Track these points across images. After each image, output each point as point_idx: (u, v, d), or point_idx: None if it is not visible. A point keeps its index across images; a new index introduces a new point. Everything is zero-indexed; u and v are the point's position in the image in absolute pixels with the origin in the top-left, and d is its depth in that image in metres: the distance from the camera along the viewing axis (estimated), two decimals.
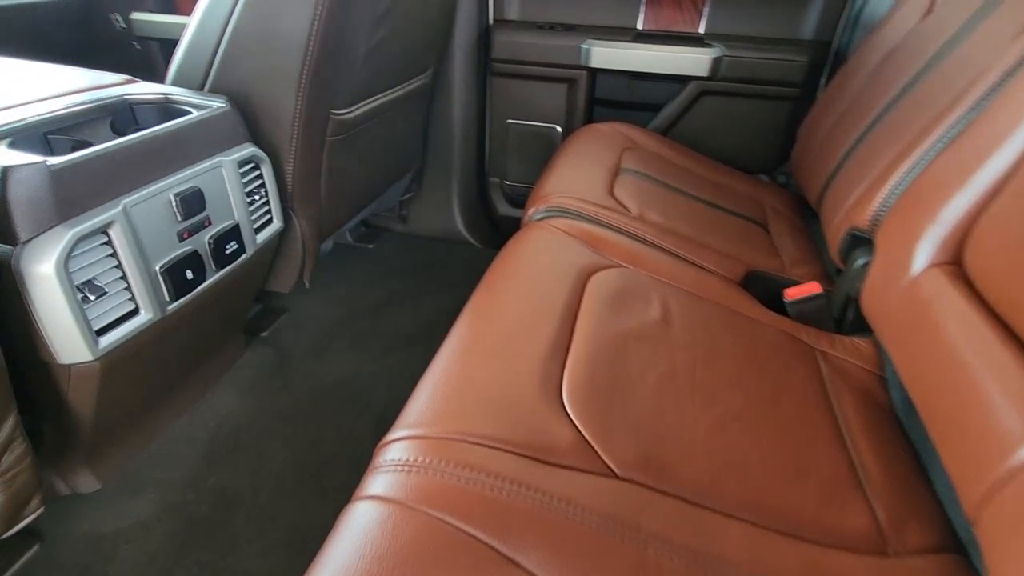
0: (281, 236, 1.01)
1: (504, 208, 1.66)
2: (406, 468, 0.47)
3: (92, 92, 0.77)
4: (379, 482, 0.46)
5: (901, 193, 0.80)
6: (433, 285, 1.45)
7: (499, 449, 0.50)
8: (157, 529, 0.82)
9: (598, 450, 0.53)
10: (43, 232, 0.59)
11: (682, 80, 1.38)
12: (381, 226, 1.67)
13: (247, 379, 1.08)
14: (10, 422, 0.60)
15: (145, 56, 1.64)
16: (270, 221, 0.94)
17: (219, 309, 0.90)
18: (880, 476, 0.60)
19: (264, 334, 1.21)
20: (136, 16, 1.60)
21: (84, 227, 0.61)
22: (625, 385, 0.61)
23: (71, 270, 0.61)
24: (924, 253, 0.69)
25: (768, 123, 1.39)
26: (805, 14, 1.33)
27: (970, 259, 0.64)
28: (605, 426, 0.55)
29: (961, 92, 0.79)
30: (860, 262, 0.82)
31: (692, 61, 1.34)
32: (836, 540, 0.52)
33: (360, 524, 0.43)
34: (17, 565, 0.76)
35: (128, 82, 0.84)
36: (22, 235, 0.58)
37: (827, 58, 1.34)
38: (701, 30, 1.39)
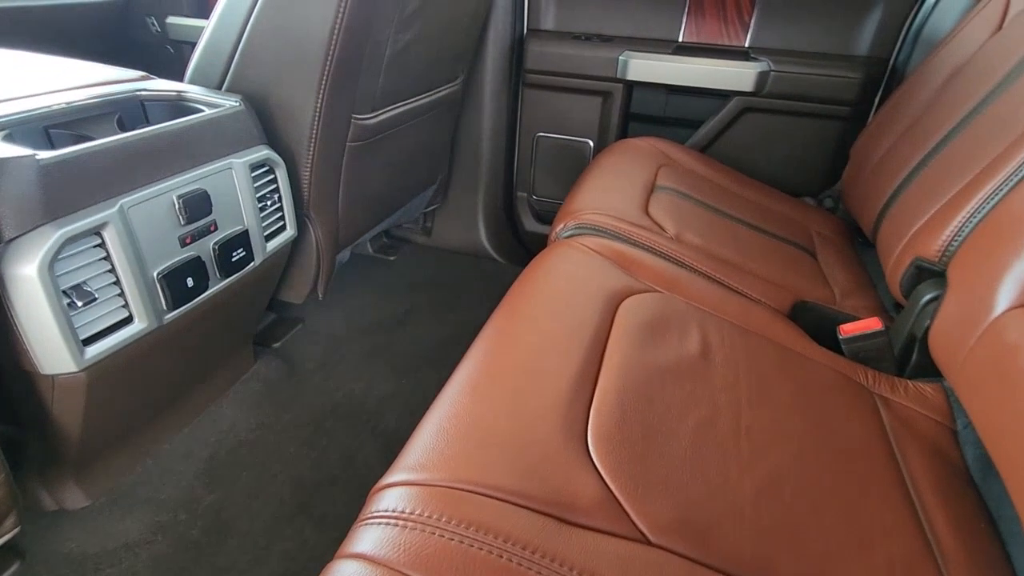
0: (295, 244, 0.96)
1: (531, 224, 1.59)
2: (401, 522, 0.40)
3: (102, 87, 0.73)
4: (368, 537, 0.39)
5: (977, 224, 0.71)
6: (455, 302, 1.39)
7: (511, 503, 0.43)
8: (144, 552, 0.76)
9: (628, 509, 0.45)
10: (29, 231, 0.54)
11: (724, 95, 1.31)
12: (403, 237, 1.63)
13: (253, 392, 1.03)
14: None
15: (179, 60, 1.64)
16: (283, 228, 0.89)
17: (224, 319, 0.86)
18: (958, 552, 0.51)
19: (276, 345, 1.16)
20: (172, 20, 1.60)
21: (74, 227, 0.57)
22: (660, 430, 0.53)
23: (57, 273, 0.56)
24: (1008, 292, 0.61)
25: (816, 143, 1.30)
26: (861, 28, 1.24)
27: None
28: (636, 480, 0.47)
29: None
30: (927, 296, 0.73)
31: (736, 76, 1.27)
32: None
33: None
34: None
35: (143, 78, 0.81)
36: (6, 233, 0.54)
37: (883, 76, 1.25)
38: (746, 44, 1.31)
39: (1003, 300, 0.61)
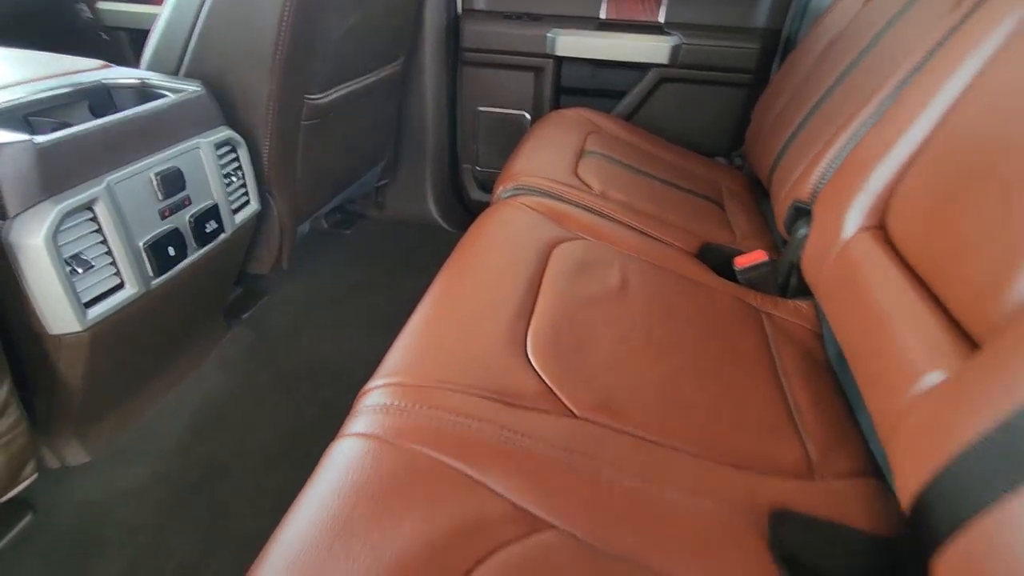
0: (259, 218, 1.04)
1: (476, 193, 1.71)
2: (385, 410, 0.52)
3: (69, 76, 0.79)
4: (360, 422, 0.51)
5: (836, 167, 0.87)
6: (408, 269, 1.49)
7: (469, 394, 0.55)
8: (148, 495, 0.85)
9: (559, 395, 0.58)
10: (31, 207, 0.62)
11: (643, 68, 1.45)
12: (357, 212, 1.71)
13: (230, 358, 1.11)
14: (4, 389, 0.63)
15: (113, 47, 1.64)
16: (248, 203, 0.97)
17: (201, 287, 0.94)
18: (812, 416, 0.67)
19: (245, 316, 1.24)
20: (103, 5, 1.59)
21: (70, 203, 0.64)
22: (585, 343, 0.67)
23: (59, 243, 0.64)
24: (854, 220, 0.77)
25: (724, 108, 1.46)
26: (757, 3, 1.40)
27: (891, 223, 0.71)
28: (565, 376, 0.61)
29: (890, 72, 0.86)
30: (802, 232, 0.89)
31: (652, 49, 1.40)
32: (770, 468, 0.58)
33: (343, 457, 0.48)
34: (12, 533, 0.79)
35: (104, 67, 0.87)
36: (11, 210, 0.61)
37: (778, 45, 1.42)
38: (661, 19, 1.45)
39: (850, 226, 0.77)
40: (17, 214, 0.61)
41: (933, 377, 0.51)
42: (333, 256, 1.51)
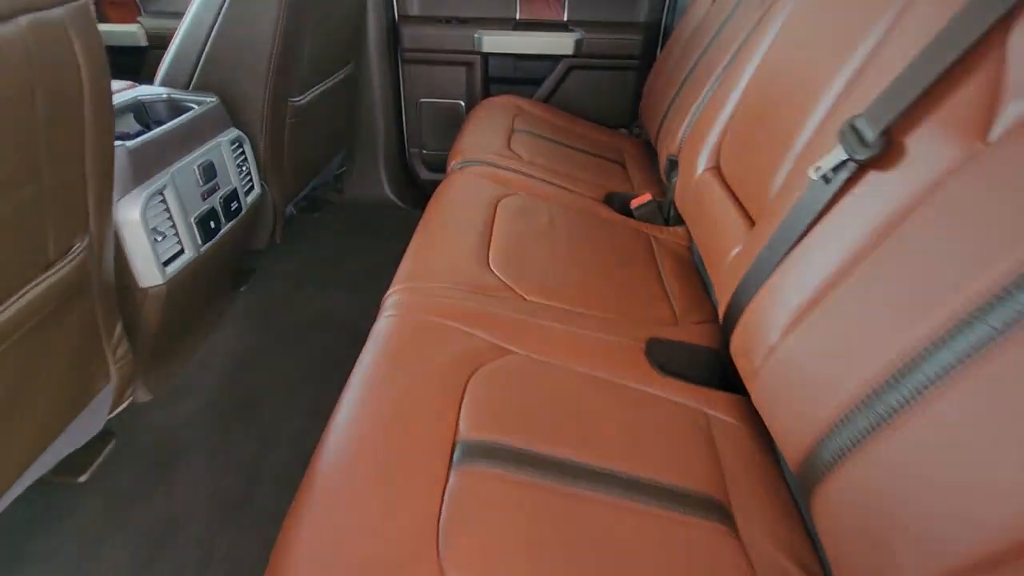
0: (258, 201, 1.29)
1: (425, 173, 1.99)
2: (401, 301, 0.82)
3: (118, 93, 1.02)
4: (387, 310, 0.80)
5: (691, 128, 1.23)
6: (374, 239, 1.76)
7: (456, 288, 0.86)
8: (206, 417, 1.11)
9: (512, 286, 0.90)
10: (128, 193, 0.86)
11: (554, 59, 1.77)
12: (322, 198, 1.95)
13: (241, 317, 1.36)
14: (119, 326, 0.88)
15: None
16: (252, 187, 1.22)
17: (224, 255, 1.18)
18: (679, 292, 1.02)
19: (243, 289, 1.48)
20: None
21: (150, 189, 0.89)
22: (526, 256, 0.99)
23: (147, 219, 0.89)
24: (702, 164, 1.12)
25: (621, 88, 1.81)
26: (639, 2, 1.75)
27: (721, 162, 1.06)
28: (515, 275, 0.92)
29: (724, 53, 1.22)
30: (674, 177, 1.24)
31: (560, 43, 1.73)
32: (649, 320, 0.92)
33: (379, 327, 0.77)
34: (103, 455, 1.03)
35: (131, 86, 1.09)
36: (116, 196, 0.85)
37: (659, 35, 1.78)
38: (565, 18, 1.78)
39: (700, 169, 1.12)
40: (119, 199, 0.86)
41: (735, 250, 0.86)
42: (308, 235, 1.76)
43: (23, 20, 0.54)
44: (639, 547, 0.56)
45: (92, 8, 0.63)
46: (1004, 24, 0.55)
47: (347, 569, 0.48)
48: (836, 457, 0.54)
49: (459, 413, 0.65)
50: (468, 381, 0.70)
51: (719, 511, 0.62)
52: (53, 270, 0.68)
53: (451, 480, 0.57)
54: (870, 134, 0.61)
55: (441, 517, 0.53)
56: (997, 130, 0.52)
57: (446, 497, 0.55)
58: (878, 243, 0.58)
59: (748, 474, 0.68)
